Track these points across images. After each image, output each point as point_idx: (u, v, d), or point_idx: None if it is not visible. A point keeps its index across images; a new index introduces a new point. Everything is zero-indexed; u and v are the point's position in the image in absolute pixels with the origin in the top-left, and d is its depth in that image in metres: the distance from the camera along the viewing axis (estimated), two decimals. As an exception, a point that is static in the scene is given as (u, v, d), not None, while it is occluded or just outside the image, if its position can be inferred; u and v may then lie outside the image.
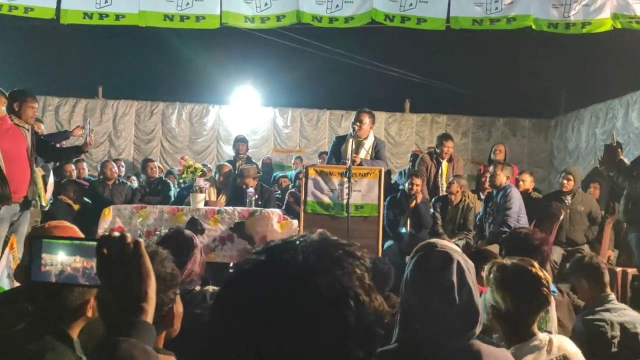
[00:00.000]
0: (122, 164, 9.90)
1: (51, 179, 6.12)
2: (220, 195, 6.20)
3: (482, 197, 6.62)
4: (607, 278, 3.19)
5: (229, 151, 12.48)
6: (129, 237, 1.12)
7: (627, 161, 5.39)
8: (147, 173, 7.99)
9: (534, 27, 6.89)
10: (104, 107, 13.75)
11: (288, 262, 0.82)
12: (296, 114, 14.26)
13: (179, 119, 13.98)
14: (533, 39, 9.50)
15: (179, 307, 1.75)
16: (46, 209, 5.88)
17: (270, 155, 13.09)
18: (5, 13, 6.80)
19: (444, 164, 6.92)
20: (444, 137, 7.14)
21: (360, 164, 5.38)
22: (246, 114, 13.98)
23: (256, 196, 5.94)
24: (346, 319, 0.78)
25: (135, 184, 8.54)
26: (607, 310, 3.02)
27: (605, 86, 11.37)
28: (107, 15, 6.86)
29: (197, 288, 2.61)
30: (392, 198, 6.23)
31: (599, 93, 11.91)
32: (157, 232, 5.10)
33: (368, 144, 5.70)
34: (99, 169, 7.80)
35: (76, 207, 6.68)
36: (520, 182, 6.40)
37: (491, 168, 6.04)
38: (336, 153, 5.81)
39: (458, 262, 1.62)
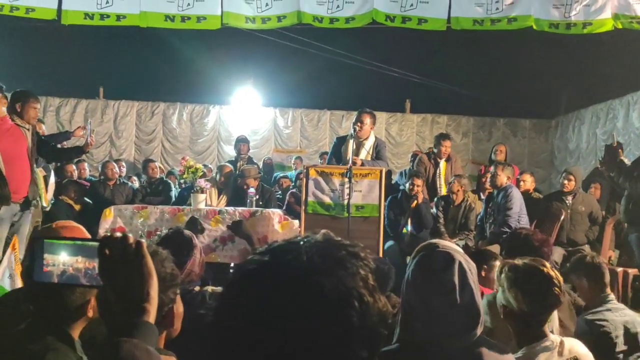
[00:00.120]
0: (123, 164, 9.91)
1: (52, 179, 6.12)
2: (221, 196, 6.20)
3: (483, 197, 6.62)
4: (607, 278, 3.19)
5: (229, 151, 12.49)
6: (131, 238, 1.12)
7: (627, 161, 5.39)
8: (148, 173, 8.00)
9: (534, 27, 6.89)
10: (105, 107, 13.76)
11: (292, 262, 0.82)
12: (297, 114, 14.26)
13: (180, 119, 13.99)
14: (534, 40, 9.50)
15: (179, 307, 1.75)
16: (47, 209, 5.88)
17: (271, 155, 13.09)
18: (6, 14, 6.81)
19: (442, 163, 6.93)
20: (442, 137, 7.15)
21: (362, 165, 5.38)
22: (247, 114, 13.99)
23: (257, 196, 5.94)
24: (350, 319, 0.78)
25: (136, 185, 8.55)
26: (609, 310, 3.03)
27: (605, 86, 11.37)
28: (108, 16, 6.87)
29: (197, 288, 2.61)
30: (392, 198, 6.23)
31: (599, 93, 11.91)
32: (158, 233, 5.09)
33: (369, 144, 5.70)
34: (100, 169, 7.80)
35: (77, 207, 6.68)
36: (521, 183, 6.40)
37: (492, 168, 6.03)
38: (336, 154, 5.81)
39: (460, 263, 1.62)
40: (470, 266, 1.65)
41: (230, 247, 5.26)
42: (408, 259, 1.78)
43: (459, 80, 13.12)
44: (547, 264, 2.20)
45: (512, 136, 14.34)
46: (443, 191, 6.82)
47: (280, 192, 7.94)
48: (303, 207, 5.25)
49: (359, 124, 5.59)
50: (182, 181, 8.01)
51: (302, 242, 0.86)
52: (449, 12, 6.89)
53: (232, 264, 5.20)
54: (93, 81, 13.72)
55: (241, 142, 7.96)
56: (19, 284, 3.15)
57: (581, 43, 9.02)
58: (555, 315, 2.68)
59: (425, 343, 1.59)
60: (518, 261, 2.22)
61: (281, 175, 9.32)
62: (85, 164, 9.08)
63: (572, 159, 12.82)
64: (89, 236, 2.08)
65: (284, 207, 6.47)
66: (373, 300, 0.82)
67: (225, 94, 14.09)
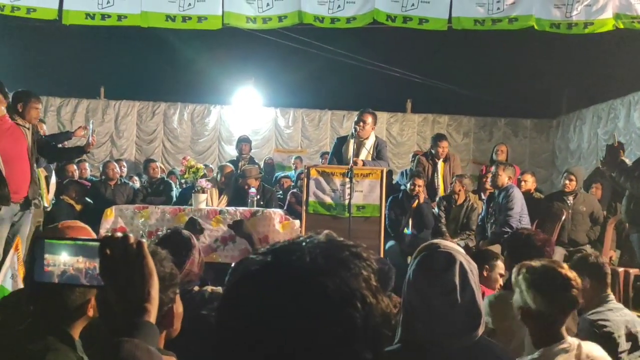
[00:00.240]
0: (124, 164, 9.90)
1: (53, 179, 6.12)
2: (222, 196, 6.20)
3: (484, 197, 6.62)
4: (609, 278, 3.19)
5: (230, 151, 12.49)
6: (132, 238, 1.12)
7: (628, 162, 5.38)
8: (149, 173, 8.00)
9: (536, 27, 6.88)
10: (105, 107, 13.77)
11: (294, 263, 0.81)
12: (298, 114, 14.26)
13: (181, 119, 14.00)
14: (535, 39, 9.50)
15: (178, 307, 1.75)
16: (48, 209, 5.88)
17: (272, 155, 13.09)
18: (7, 14, 6.82)
19: (440, 164, 6.93)
20: (438, 138, 7.14)
21: (364, 165, 5.38)
22: (248, 114, 13.99)
23: (258, 196, 5.94)
24: (353, 320, 0.78)
25: (137, 185, 8.55)
26: (610, 310, 3.02)
27: (607, 86, 11.37)
28: (109, 16, 6.87)
29: (196, 288, 2.61)
30: (393, 198, 6.22)
31: (600, 93, 11.90)
32: (159, 233, 5.09)
33: (369, 144, 5.70)
34: (101, 169, 7.80)
35: (78, 207, 6.69)
36: (522, 183, 6.40)
37: (493, 168, 6.03)
38: (337, 154, 5.81)
39: (461, 263, 1.62)
40: (471, 266, 1.65)
41: (231, 247, 5.25)
42: (409, 259, 1.77)
43: (460, 80, 13.12)
44: (565, 265, 2.21)
45: (513, 136, 14.33)
46: (441, 191, 6.82)
47: (281, 192, 7.93)
48: (304, 207, 5.25)
49: (361, 123, 5.59)
50: (183, 181, 8.02)
51: (304, 243, 0.85)
52: (450, 12, 6.89)
53: (232, 264, 5.19)
54: (94, 81, 13.73)
55: (243, 142, 7.96)
56: (21, 284, 3.15)
57: (582, 43, 9.02)
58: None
59: (427, 343, 1.59)
60: (535, 262, 2.23)
61: (282, 175, 9.32)
62: (87, 164, 9.08)
63: (573, 159, 12.80)
64: (95, 236, 2.07)
65: (285, 207, 6.47)
66: (376, 302, 0.81)
67: (226, 94, 14.10)
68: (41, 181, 5.38)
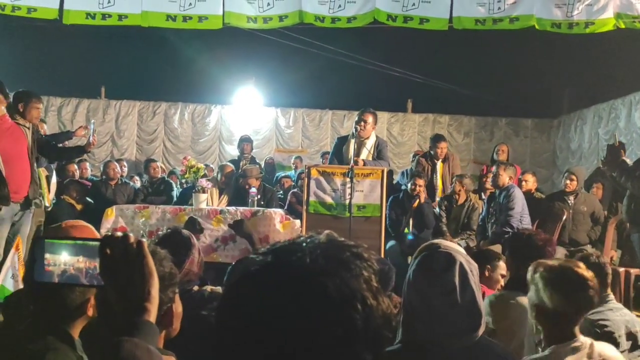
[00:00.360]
0: (125, 164, 9.91)
1: (54, 179, 6.12)
2: (223, 196, 6.20)
3: (484, 197, 6.61)
4: (610, 278, 3.18)
5: (231, 151, 12.50)
6: (132, 237, 1.12)
7: (629, 161, 5.38)
8: (150, 173, 8.00)
9: (537, 27, 6.88)
10: (106, 107, 13.78)
11: (295, 263, 0.81)
12: (298, 114, 14.26)
13: (182, 119, 14.00)
14: (536, 39, 9.49)
15: (178, 307, 1.75)
16: (49, 209, 5.88)
17: (272, 155, 13.09)
18: (8, 13, 6.82)
19: (439, 164, 6.92)
20: (437, 139, 7.12)
21: (364, 164, 5.38)
22: (248, 114, 13.99)
23: (258, 196, 5.94)
24: (353, 321, 0.78)
25: (138, 184, 8.55)
26: (610, 309, 3.02)
27: (608, 86, 11.36)
28: (109, 16, 6.88)
29: (195, 288, 2.60)
30: (394, 198, 6.22)
31: (601, 93, 11.89)
32: (160, 232, 5.09)
33: (370, 143, 5.70)
34: (101, 169, 7.80)
35: (79, 207, 6.68)
36: (523, 182, 6.39)
37: (494, 168, 6.03)
38: (338, 153, 5.81)
39: (461, 264, 1.62)
40: (471, 267, 1.65)
41: (231, 246, 5.26)
42: (409, 259, 1.77)
43: (460, 79, 13.11)
44: (582, 265, 2.20)
45: (514, 136, 14.31)
46: (439, 192, 6.82)
47: (281, 192, 7.94)
48: (305, 207, 5.25)
49: (361, 123, 5.59)
50: (183, 181, 8.02)
51: (304, 243, 0.85)
52: (451, 12, 6.89)
53: (233, 264, 5.18)
54: (95, 81, 13.74)
55: (245, 142, 7.97)
56: (22, 284, 3.15)
57: (583, 43, 9.01)
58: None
59: (427, 343, 1.59)
60: (553, 261, 2.23)
61: (283, 175, 9.32)
62: (87, 164, 9.08)
63: (574, 159, 12.80)
64: (98, 236, 2.07)
65: (286, 207, 6.47)
66: (377, 303, 0.81)
67: (227, 93, 14.10)
68: (42, 181, 5.37)
